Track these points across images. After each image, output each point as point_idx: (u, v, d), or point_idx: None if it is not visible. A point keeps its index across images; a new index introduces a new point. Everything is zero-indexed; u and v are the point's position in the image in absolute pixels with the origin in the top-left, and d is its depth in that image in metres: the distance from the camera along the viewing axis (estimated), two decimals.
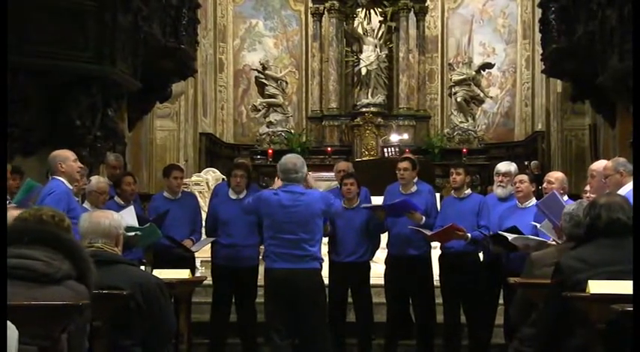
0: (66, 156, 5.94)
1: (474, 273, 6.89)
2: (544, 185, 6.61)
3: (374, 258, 7.37)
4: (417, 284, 7.07)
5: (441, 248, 7.17)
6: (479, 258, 6.97)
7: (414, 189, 7.12)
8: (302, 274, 5.87)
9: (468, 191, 7.09)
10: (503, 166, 7.09)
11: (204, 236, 7.37)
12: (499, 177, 7.01)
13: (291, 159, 6.14)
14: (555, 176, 6.71)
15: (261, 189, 7.34)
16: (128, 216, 6.18)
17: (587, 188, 6.49)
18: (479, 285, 6.87)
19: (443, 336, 7.10)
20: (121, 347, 3.89)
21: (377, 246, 7.27)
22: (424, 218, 6.90)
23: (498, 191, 7.00)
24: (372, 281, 7.27)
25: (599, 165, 6.02)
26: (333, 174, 8.12)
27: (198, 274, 7.60)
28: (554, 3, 11.08)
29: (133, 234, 6.25)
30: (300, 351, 6.13)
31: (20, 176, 6.72)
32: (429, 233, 6.81)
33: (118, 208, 6.37)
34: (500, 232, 6.37)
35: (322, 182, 10.12)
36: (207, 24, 16.75)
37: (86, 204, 6.49)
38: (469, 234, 6.69)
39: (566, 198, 6.29)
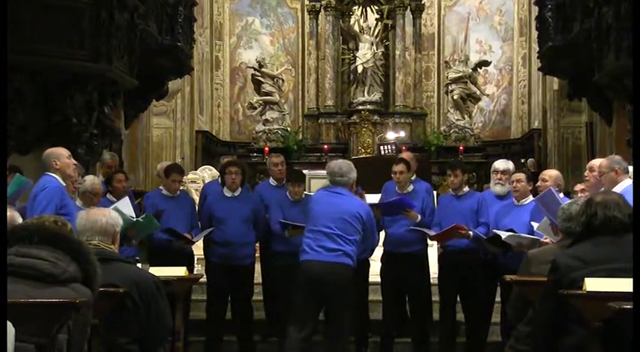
0: (60, 154, 5.94)
1: (474, 271, 6.89)
2: (538, 183, 6.63)
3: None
4: (412, 281, 7.08)
5: (441, 246, 7.18)
6: (479, 255, 6.97)
7: (410, 188, 7.13)
8: (331, 267, 5.96)
9: (467, 188, 7.10)
10: (502, 164, 7.10)
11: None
12: (497, 174, 7.02)
13: (339, 163, 6.37)
14: (549, 174, 6.72)
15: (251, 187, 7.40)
16: (124, 207, 6.20)
17: (577, 188, 6.55)
18: (477, 283, 6.88)
19: (439, 334, 7.11)
20: (118, 345, 3.90)
21: (376, 243, 7.27)
22: (419, 216, 6.91)
23: (497, 188, 7.01)
24: (369, 278, 7.28)
25: (599, 161, 6.06)
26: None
27: (196, 271, 7.59)
28: (551, 0, 11.06)
29: (134, 219, 6.28)
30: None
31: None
32: (431, 233, 6.83)
33: (111, 205, 6.36)
34: (495, 231, 6.39)
35: (319, 180, 10.12)
36: (203, 22, 16.75)
37: (78, 202, 6.47)
38: (471, 232, 6.69)
39: (561, 195, 6.30)
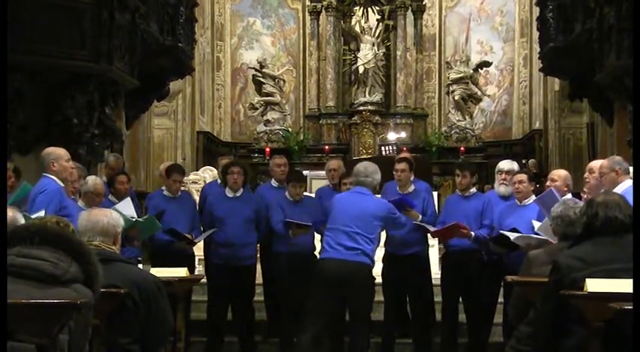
0: (59, 155, 5.90)
1: (477, 272, 6.89)
2: (547, 183, 6.59)
3: None
4: (414, 282, 7.08)
5: (445, 246, 7.18)
6: (482, 256, 6.96)
7: (411, 188, 7.13)
8: (349, 266, 6.07)
9: (473, 190, 7.11)
10: (506, 164, 7.09)
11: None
12: (502, 175, 7.00)
13: (364, 164, 6.54)
14: (559, 174, 6.67)
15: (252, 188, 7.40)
16: (125, 208, 6.20)
17: (586, 189, 6.53)
18: (480, 284, 6.88)
19: (441, 334, 7.10)
20: (119, 346, 3.89)
21: (377, 243, 7.27)
22: (421, 216, 6.92)
23: (501, 189, 7.00)
24: None
25: (598, 163, 6.05)
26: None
27: (197, 272, 7.59)
28: (552, 1, 11.05)
29: (134, 220, 6.28)
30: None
31: (17, 175, 6.65)
32: (432, 229, 6.85)
33: (113, 206, 6.35)
34: (502, 232, 6.38)
35: (319, 180, 10.12)
36: (204, 22, 16.75)
37: (80, 203, 6.47)
38: (472, 233, 6.70)
39: (569, 196, 6.27)
